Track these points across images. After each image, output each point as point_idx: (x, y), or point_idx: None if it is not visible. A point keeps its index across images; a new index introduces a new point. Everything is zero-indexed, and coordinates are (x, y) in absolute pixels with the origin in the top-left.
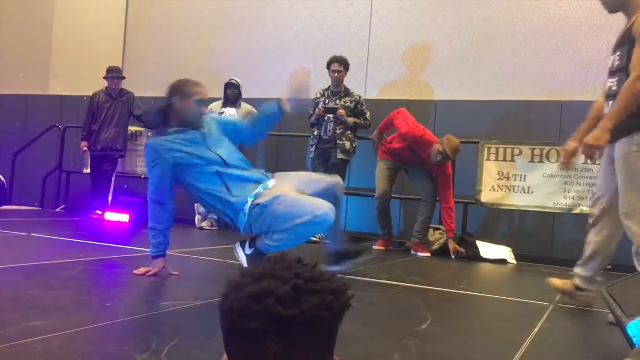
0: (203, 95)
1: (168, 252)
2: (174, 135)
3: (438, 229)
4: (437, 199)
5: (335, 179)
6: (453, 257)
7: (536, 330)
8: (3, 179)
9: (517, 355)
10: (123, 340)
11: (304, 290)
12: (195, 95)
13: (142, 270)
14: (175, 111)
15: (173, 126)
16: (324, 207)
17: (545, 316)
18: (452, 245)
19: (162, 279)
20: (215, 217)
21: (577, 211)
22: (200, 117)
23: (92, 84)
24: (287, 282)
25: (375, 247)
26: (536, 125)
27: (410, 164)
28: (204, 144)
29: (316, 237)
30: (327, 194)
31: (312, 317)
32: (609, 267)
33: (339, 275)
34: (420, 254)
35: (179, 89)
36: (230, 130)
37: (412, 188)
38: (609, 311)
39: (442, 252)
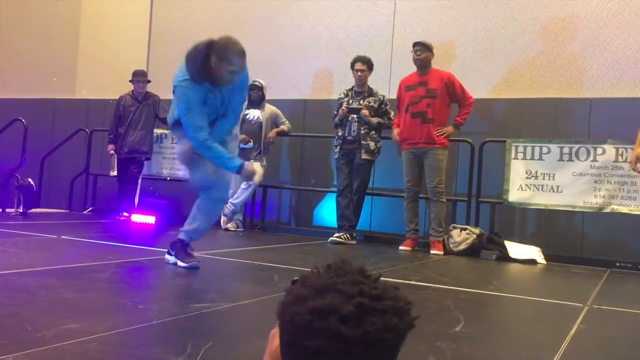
0: (239, 68)
1: (195, 254)
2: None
3: (465, 229)
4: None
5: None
6: (439, 133)
7: (572, 332)
8: (32, 182)
9: (556, 357)
10: (158, 343)
11: (368, 309)
12: (230, 66)
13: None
14: (209, 67)
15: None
16: None
17: (580, 317)
18: (450, 129)
19: (191, 280)
20: (241, 219)
21: (607, 210)
22: (227, 84)
23: (117, 88)
24: (351, 299)
25: (401, 248)
26: (564, 123)
27: (423, 141)
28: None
29: (342, 238)
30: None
31: (375, 339)
32: None
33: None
34: (432, 252)
35: (219, 52)
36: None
37: None
38: None
39: (470, 253)
